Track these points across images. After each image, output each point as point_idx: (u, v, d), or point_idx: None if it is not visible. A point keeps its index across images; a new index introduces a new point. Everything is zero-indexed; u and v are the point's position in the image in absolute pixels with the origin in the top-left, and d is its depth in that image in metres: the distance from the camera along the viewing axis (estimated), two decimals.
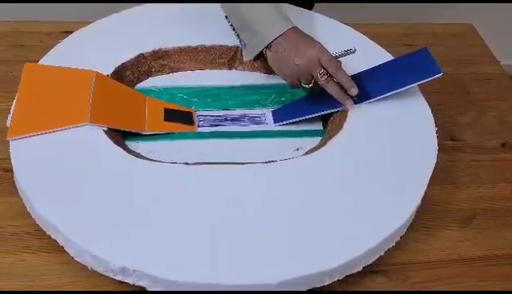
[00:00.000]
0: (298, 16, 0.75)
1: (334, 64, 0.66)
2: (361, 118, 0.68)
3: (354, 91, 0.67)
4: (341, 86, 0.68)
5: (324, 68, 0.66)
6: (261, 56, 0.71)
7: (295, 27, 0.68)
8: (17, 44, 0.83)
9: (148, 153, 0.64)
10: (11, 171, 0.60)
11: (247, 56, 0.71)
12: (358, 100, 0.69)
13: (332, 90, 0.67)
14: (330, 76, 0.66)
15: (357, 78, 0.71)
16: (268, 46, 0.68)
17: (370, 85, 0.70)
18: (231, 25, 0.72)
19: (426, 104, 0.71)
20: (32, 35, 0.84)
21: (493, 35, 1.01)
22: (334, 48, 0.70)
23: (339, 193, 0.59)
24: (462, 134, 0.77)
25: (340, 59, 0.68)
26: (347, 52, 0.69)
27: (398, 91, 0.68)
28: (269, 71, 0.78)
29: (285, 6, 0.75)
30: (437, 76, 0.67)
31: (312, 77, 0.67)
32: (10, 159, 0.59)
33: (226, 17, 0.72)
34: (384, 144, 0.65)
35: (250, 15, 0.68)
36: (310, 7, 0.92)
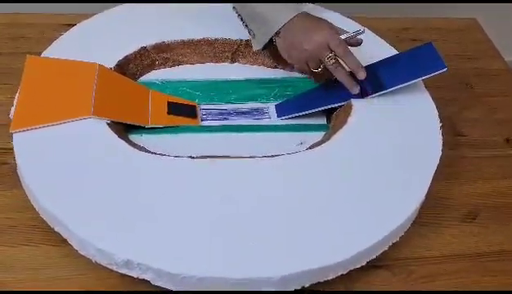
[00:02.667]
0: (300, 9, 0.75)
1: (342, 48, 0.66)
2: (365, 113, 0.67)
3: (362, 74, 0.66)
4: (349, 73, 0.67)
5: (332, 51, 0.66)
6: (270, 45, 0.71)
7: (305, 12, 0.68)
8: (18, 36, 0.82)
9: (151, 146, 0.64)
10: (13, 163, 0.59)
11: (256, 46, 0.71)
12: (363, 94, 0.69)
13: (340, 74, 0.67)
14: (338, 61, 0.66)
15: None
16: (277, 33, 0.68)
17: (375, 79, 0.69)
18: (238, 16, 0.72)
19: (430, 98, 0.71)
20: (33, 27, 0.84)
21: (497, 30, 1.01)
22: None
23: (343, 187, 0.59)
24: (466, 129, 0.76)
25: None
26: (356, 33, 0.68)
27: (403, 85, 0.68)
28: (273, 65, 0.78)
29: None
30: (441, 71, 0.67)
31: (321, 61, 0.67)
32: (12, 152, 0.59)
33: (233, 8, 0.72)
34: (388, 139, 0.65)
35: (259, 5, 0.68)
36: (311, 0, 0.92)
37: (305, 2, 0.81)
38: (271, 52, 0.74)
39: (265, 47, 0.71)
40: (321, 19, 0.69)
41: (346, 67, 0.68)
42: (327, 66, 0.67)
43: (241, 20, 0.71)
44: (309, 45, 0.66)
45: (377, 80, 0.69)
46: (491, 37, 0.94)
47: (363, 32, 0.68)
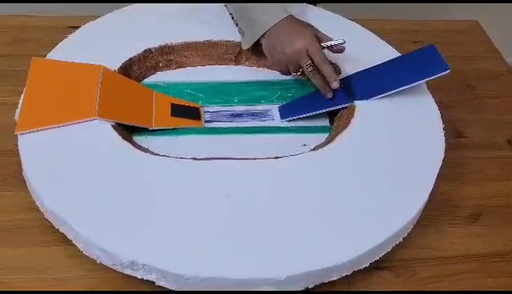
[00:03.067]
0: (304, 12, 0.75)
1: (319, 56, 0.68)
2: (368, 115, 0.68)
3: (335, 84, 0.68)
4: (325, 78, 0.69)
5: (311, 59, 0.68)
6: (258, 45, 0.73)
7: (291, 15, 0.71)
8: (22, 39, 0.83)
9: (155, 148, 0.64)
10: (18, 165, 0.60)
11: (245, 45, 0.74)
12: (366, 96, 0.69)
13: (316, 81, 0.70)
14: (316, 67, 0.68)
15: (365, 74, 0.71)
16: (263, 35, 0.71)
17: (378, 81, 0.70)
18: (230, 14, 0.75)
19: (433, 100, 0.71)
20: (37, 30, 0.84)
21: (498, 32, 1.01)
22: None
23: (346, 188, 0.59)
24: (468, 131, 0.77)
25: (344, 46, 0.69)
26: (337, 43, 0.69)
27: (406, 87, 0.68)
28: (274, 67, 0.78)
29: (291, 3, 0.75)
30: (444, 73, 0.67)
31: (300, 66, 0.69)
32: (18, 153, 0.59)
33: (225, 6, 0.74)
34: (391, 141, 0.65)
35: (248, 5, 0.71)
36: (314, 3, 0.92)
37: (302, 2, 0.82)
38: (256, 51, 0.76)
39: (253, 47, 0.73)
40: (307, 24, 0.71)
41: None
42: (305, 71, 0.69)
43: (232, 18, 0.74)
44: (289, 49, 0.69)
45: (380, 82, 0.69)
46: (493, 38, 0.95)
47: (344, 42, 0.69)
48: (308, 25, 0.71)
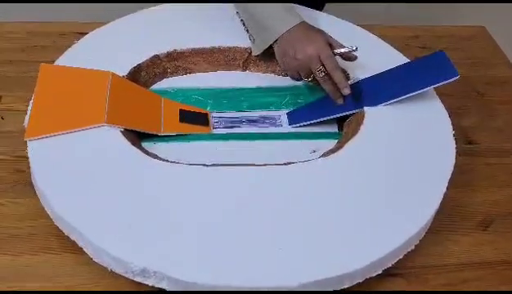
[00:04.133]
0: (311, 18, 0.75)
1: (331, 62, 0.67)
2: (377, 121, 0.67)
3: (346, 91, 0.68)
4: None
5: (322, 65, 0.67)
6: (267, 50, 0.73)
7: (303, 22, 0.70)
8: (30, 45, 0.83)
9: (164, 154, 0.64)
10: (28, 171, 0.59)
11: (255, 51, 0.74)
12: (375, 102, 0.69)
13: (327, 87, 0.69)
14: (328, 74, 0.68)
15: (374, 80, 0.71)
16: (275, 41, 0.71)
17: (387, 87, 0.69)
18: (241, 20, 0.75)
19: (443, 106, 0.71)
20: (45, 36, 0.84)
21: (506, 38, 1.01)
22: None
23: (357, 195, 0.59)
24: (477, 137, 0.76)
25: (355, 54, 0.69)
26: (349, 50, 0.69)
27: (415, 93, 0.68)
28: (284, 73, 0.78)
29: (297, 7, 0.75)
30: (454, 79, 0.67)
31: (311, 72, 0.69)
32: (27, 160, 0.59)
33: (237, 13, 0.75)
34: (401, 147, 0.65)
35: (260, 11, 0.71)
36: (320, 8, 0.93)
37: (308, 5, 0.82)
38: (265, 57, 0.76)
39: (264, 53, 0.74)
40: (319, 30, 0.71)
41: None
42: (317, 77, 0.69)
43: (243, 24, 0.74)
44: (301, 55, 0.69)
45: (390, 88, 0.69)
46: (501, 44, 0.94)
47: (356, 49, 0.69)
48: (320, 31, 0.70)
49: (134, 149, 0.61)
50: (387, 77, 0.71)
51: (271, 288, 0.51)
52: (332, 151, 0.65)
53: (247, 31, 0.74)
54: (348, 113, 0.70)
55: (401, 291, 0.57)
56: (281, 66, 0.74)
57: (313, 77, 0.70)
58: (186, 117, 0.70)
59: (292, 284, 0.50)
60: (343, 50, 0.69)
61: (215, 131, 0.70)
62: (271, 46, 0.72)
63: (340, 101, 0.69)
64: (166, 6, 0.81)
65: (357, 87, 0.71)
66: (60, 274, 0.55)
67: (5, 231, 0.58)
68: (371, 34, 0.82)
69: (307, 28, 0.70)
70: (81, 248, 0.54)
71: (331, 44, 0.69)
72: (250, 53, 0.77)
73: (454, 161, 0.64)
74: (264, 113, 0.73)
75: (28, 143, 0.60)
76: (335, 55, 0.69)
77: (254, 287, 0.50)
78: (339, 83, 0.68)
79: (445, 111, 0.70)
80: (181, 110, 0.70)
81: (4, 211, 0.60)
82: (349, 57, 0.70)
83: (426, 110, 0.70)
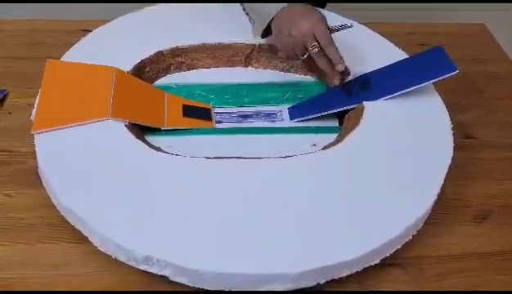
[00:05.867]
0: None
1: (326, 38, 0.67)
2: (377, 115, 0.69)
3: (340, 67, 0.68)
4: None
5: (317, 40, 0.68)
6: (269, 33, 0.74)
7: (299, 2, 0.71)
8: (36, 42, 0.84)
9: (167, 147, 0.65)
10: (34, 163, 0.61)
11: (255, 33, 0.75)
12: (374, 97, 0.70)
13: (322, 64, 0.69)
14: (322, 50, 0.68)
15: (373, 75, 0.72)
16: (272, 20, 0.72)
17: (386, 82, 0.71)
18: (241, 4, 0.77)
19: (441, 101, 0.72)
20: (49, 33, 0.86)
21: (505, 35, 1.02)
22: (348, 47, 0.71)
23: (356, 187, 0.60)
24: (476, 132, 0.77)
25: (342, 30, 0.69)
26: (343, 27, 0.70)
27: (414, 88, 0.69)
28: (285, 69, 0.80)
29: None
30: (453, 73, 0.68)
31: (306, 48, 0.69)
32: (33, 153, 0.61)
33: None
34: (400, 141, 0.66)
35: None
36: (322, 6, 0.94)
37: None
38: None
39: (264, 35, 0.75)
40: (313, 8, 0.71)
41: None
42: (311, 54, 0.69)
43: (243, 9, 0.76)
44: (296, 31, 0.69)
45: (389, 83, 0.70)
46: (500, 41, 0.95)
47: (351, 26, 0.69)
48: (315, 9, 0.71)
49: (138, 141, 0.63)
50: (386, 73, 0.72)
51: (271, 276, 0.52)
52: (332, 144, 0.67)
53: (247, 14, 0.76)
54: (348, 107, 0.71)
55: (402, 291, 0.58)
56: (278, 46, 0.74)
57: (309, 54, 0.70)
58: (189, 112, 0.71)
59: (292, 272, 0.52)
60: (336, 25, 0.69)
61: (217, 126, 0.71)
62: (270, 29, 0.73)
63: (337, 82, 0.69)
64: (169, 4, 0.83)
65: (357, 82, 0.72)
66: (66, 263, 0.56)
67: (13, 222, 0.60)
68: (372, 31, 0.83)
69: (302, 6, 0.70)
70: (86, 238, 0.56)
71: (325, 21, 0.69)
72: (252, 49, 0.78)
73: (452, 154, 0.65)
74: (266, 108, 0.74)
75: (35, 136, 0.61)
76: (331, 31, 0.69)
77: (255, 274, 0.51)
78: (334, 59, 0.68)
79: (443, 105, 0.72)
80: (184, 105, 0.72)
81: (12, 201, 0.62)
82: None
83: (425, 105, 0.71)
